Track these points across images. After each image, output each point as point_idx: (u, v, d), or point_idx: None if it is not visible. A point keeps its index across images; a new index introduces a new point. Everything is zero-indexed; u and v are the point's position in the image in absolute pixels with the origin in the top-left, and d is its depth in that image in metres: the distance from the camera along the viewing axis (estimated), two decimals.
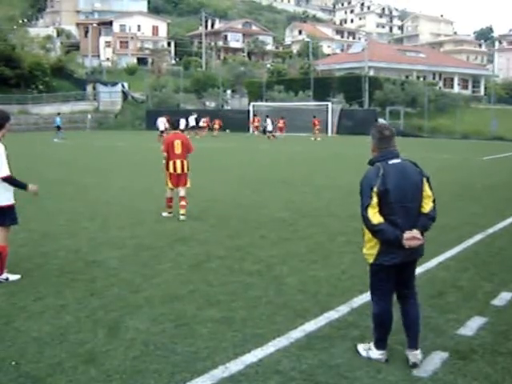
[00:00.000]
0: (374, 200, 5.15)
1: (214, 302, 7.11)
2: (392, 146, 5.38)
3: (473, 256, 9.45)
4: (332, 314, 6.69)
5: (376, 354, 5.46)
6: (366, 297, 7.16)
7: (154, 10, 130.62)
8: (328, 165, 26.32)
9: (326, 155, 31.91)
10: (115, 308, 6.93)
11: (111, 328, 6.31)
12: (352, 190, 17.03)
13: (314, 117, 51.56)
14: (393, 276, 5.36)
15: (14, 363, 5.44)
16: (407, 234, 5.10)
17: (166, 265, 8.90)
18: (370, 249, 5.35)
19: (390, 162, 5.27)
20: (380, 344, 5.47)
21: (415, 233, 5.14)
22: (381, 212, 5.17)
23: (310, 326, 6.35)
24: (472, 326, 6.34)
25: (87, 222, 12.53)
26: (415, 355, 5.37)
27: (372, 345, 5.52)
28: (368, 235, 5.33)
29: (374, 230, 5.17)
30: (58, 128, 50.06)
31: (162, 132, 49.67)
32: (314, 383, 5.06)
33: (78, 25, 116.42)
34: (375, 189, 5.14)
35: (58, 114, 48.00)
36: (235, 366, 5.37)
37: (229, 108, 72.89)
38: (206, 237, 10.94)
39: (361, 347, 5.62)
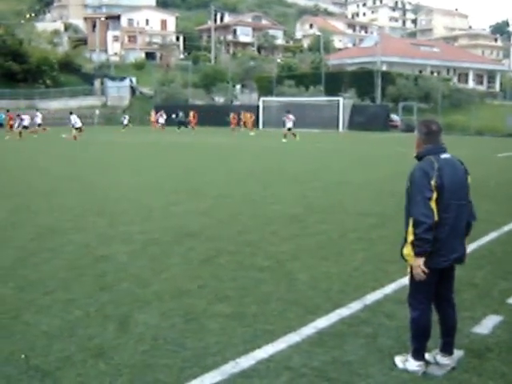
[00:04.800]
0: (434, 194, 4.86)
1: (224, 298, 7.05)
2: (440, 141, 5.19)
3: (488, 254, 9.36)
4: (344, 311, 6.60)
5: (414, 365, 5.14)
6: (379, 294, 7.12)
7: (162, 3, 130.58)
8: (339, 161, 26.23)
9: (337, 151, 31.82)
10: (124, 302, 6.88)
11: (121, 322, 6.26)
12: (363, 186, 17.16)
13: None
14: (436, 279, 5.08)
15: (23, 356, 5.41)
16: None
17: (176, 260, 8.85)
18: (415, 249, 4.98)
19: (442, 156, 5.06)
20: (418, 354, 5.16)
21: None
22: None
23: (322, 322, 6.27)
24: (487, 325, 6.25)
25: (95, 217, 12.49)
26: (453, 359, 5.23)
27: (409, 356, 5.20)
28: (412, 236, 4.92)
29: (428, 228, 4.81)
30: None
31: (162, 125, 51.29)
32: (325, 380, 4.98)
33: (85, 19, 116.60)
34: (433, 182, 4.87)
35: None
36: (246, 361, 5.31)
37: (238, 103, 72.75)
38: (215, 232, 10.88)
39: (398, 359, 5.29)
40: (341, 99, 56.43)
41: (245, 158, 27.14)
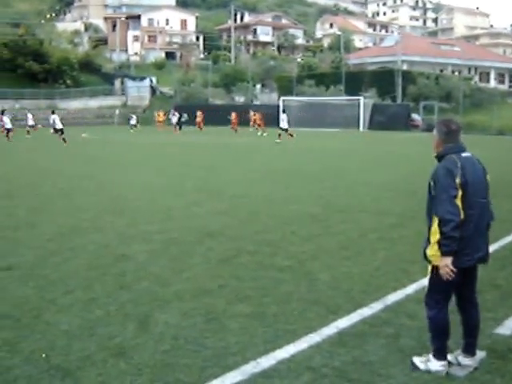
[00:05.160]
0: (459, 192, 4.82)
1: (244, 297, 7.03)
2: (460, 140, 5.16)
3: (510, 254, 9.26)
4: (365, 311, 6.56)
5: (436, 365, 5.07)
6: (400, 294, 7.07)
7: (182, 3, 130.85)
8: (359, 160, 26.10)
9: (357, 151, 31.69)
10: (145, 302, 6.88)
11: (141, 322, 6.26)
12: (384, 186, 17.06)
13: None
14: (458, 279, 4.94)
15: (43, 356, 5.43)
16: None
17: (196, 259, 8.83)
18: (439, 249, 4.87)
19: (463, 155, 5.04)
20: (440, 354, 5.09)
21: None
22: None
23: (343, 322, 6.23)
24: (510, 326, 6.17)
25: (115, 216, 12.51)
26: (475, 360, 5.16)
27: (431, 356, 5.12)
28: (437, 235, 4.84)
29: (455, 226, 4.75)
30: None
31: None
32: (346, 380, 4.95)
33: (105, 19, 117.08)
34: (458, 180, 4.83)
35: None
36: (267, 361, 5.28)
37: (258, 103, 72.70)
38: (235, 232, 10.86)
39: (417, 360, 5.19)
40: (361, 99, 56.21)
41: (262, 158, 27.09)
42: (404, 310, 6.55)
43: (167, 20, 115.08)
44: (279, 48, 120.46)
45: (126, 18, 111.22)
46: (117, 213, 12.93)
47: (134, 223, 11.74)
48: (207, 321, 6.28)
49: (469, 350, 5.20)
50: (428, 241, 4.94)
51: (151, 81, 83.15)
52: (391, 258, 8.87)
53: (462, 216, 4.80)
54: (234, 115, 52.83)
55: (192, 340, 5.76)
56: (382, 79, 64.63)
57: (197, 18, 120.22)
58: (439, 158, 5.11)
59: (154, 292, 7.26)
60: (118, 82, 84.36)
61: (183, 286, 7.47)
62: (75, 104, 76.33)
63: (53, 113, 39.83)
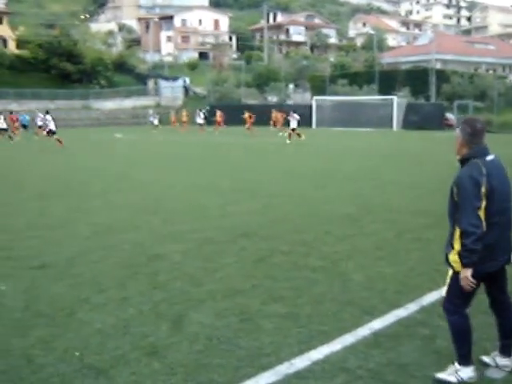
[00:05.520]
0: (484, 202, 4.64)
1: (278, 298, 6.99)
2: (484, 141, 4.87)
3: None
4: (400, 312, 6.48)
5: (467, 372, 4.89)
6: (436, 295, 6.95)
7: (215, 3, 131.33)
8: (393, 160, 25.87)
9: (391, 150, 31.43)
10: (178, 301, 6.88)
11: (174, 321, 6.26)
12: (418, 186, 16.87)
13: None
14: (480, 283, 4.85)
15: (77, 354, 5.45)
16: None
17: (230, 259, 8.82)
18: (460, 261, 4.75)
19: (488, 158, 4.78)
20: (467, 359, 4.91)
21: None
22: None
23: (377, 323, 6.16)
24: None
25: (150, 216, 12.58)
26: None
27: (457, 365, 4.94)
28: (459, 245, 4.72)
29: (477, 239, 4.59)
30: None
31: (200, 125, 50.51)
32: (381, 382, 4.89)
33: (139, 20, 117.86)
34: (483, 189, 4.63)
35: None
36: (301, 362, 5.24)
37: (291, 103, 72.58)
38: (269, 232, 10.82)
39: (445, 375, 4.95)
40: (395, 98, 55.71)
41: (293, 158, 26.99)
42: (439, 311, 6.41)
43: (200, 20, 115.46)
44: (312, 47, 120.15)
45: (159, 19, 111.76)
46: (152, 212, 13.00)
47: (168, 222, 11.79)
48: (241, 321, 6.25)
49: (505, 351, 5.10)
50: (451, 246, 4.82)
51: (184, 81, 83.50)
52: (426, 259, 8.75)
53: (485, 226, 4.64)
54: (246, 115, 52.47)
55: (226, 340, 5.74)
56: (416, 78, 63.99)
57: (229, 18, 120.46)
58: (462, 161, 4.88)
59: (188, 292, 7.26)
60: (151, 83, 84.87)
61: (217, 286, 7.45)
62: (109, 104, 76.99)
63: (47, 113, 38.45)
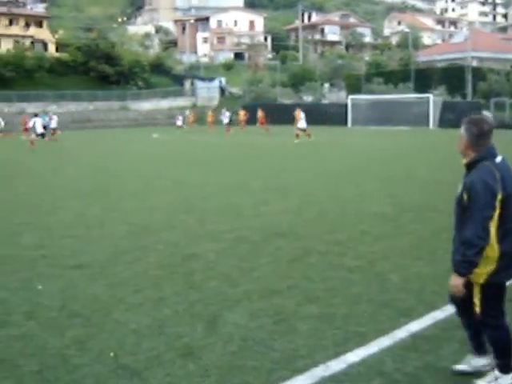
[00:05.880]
0: (497, 211, 4.37)
1: (313, 298, 6.91)
2: (491, 141, 4.57)
3: None
4: (438, 314, 6.35)
5: (507, 379, 4.73)
6: None
7: (249, 4, 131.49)
8: (429, 158, 25.58)
9: (427, 148, 31.10)
10: (213, 302, 6.85)
11: (209, 322, 6.23)
12: (455, 185, 16.55)
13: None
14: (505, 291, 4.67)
15: (112, 355, 5.45)
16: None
17: (264, 259, 8.77)
18: (482, 267, 4.49)
19: (497, 160, 4.50)
20: (508, 367, 4.73)
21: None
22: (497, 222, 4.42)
23: (415, 325, 6.04)
24: None
25: (184, 215, 12.59)
26: None
27: (497, 372, 4.75)
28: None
29: (479, 252, 4.39)
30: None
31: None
32: None
33: (175, 22, 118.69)
34: (499, 196, 4.36)
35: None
36: (337, 365, 5.15)
37: (326, 102, 72.33)
38: (304, 231, 10.75)
39: (484, 382, 4.79)
40: (431, 96, 55.13)
41: (327, 157, 26.84)
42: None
43: (235, 21, 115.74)
44: (347, 47, 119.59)
45: (195, 21, 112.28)
46: (186, 212, 13.01)
47: (202, 222, 11.79)
48: (276, 322, 6.19)
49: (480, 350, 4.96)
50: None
51: (220, 81, 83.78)
52: None
53: (501, 235, 4.43)
54: (259, 113, 51.89)
55: (260, 341, 5.69)
56: (452, 76, 63.28)
57: (264, 18, 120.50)
58: (470, 165, 4.57)
59: (223, 292, 7.23)
60: (187, 83, 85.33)
61: (252, 286, 7.41)
62: (146, 105, 77.62)
63: (35, 116, 37.60)
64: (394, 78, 68.27)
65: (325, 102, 72.80)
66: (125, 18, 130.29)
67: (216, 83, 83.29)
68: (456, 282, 4.52)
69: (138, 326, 6.14)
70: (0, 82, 70.28)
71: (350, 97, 61.51)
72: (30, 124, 37.70)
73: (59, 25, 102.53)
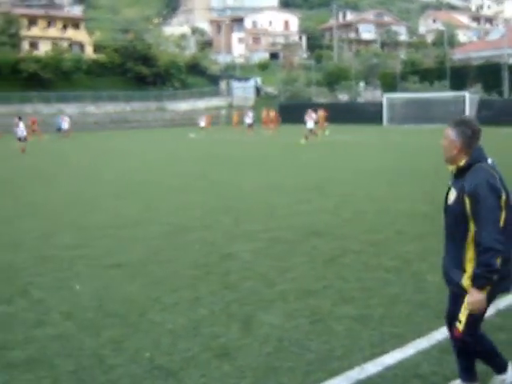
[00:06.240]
0: (504, 213, 4.09)
1: (349, 299, 6.86)
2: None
3: None
4: None
5: (510, 373, 4.60)
6: None
7: (284, 4, 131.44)
8: None
9: None
10: (249, 302, 6.84)
11: (245, 322, 6.22)
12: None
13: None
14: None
15: (148, 355, 5.46)
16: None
17: (300, 259, 8.73)
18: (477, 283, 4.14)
19: (490, 161, 4.28)
20: (504, 365, 4.58)
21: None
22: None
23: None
24: None
25: (220, 215, 12.62)
26: None
27: (500, 375, 4.60)
28: (475, 265, 4.14)
29: (499, 256, 4.02)
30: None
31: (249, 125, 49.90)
32: None
33: (211, 22, 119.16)
34: (504, 197, 4.10)
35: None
36: (373, 367, 5.09)
37: (362, 101, 71.95)
38: (340, 231, 10.68)
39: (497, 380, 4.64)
40: (467, 94, 54.47)
41: (362, 155, 26.65)
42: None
43: (270, 21, 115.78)
44: (382, 45, 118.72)
45: (231, 21, 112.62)
46: (222, 211, 13.04)
47: (239, 222, 11.81)
48: (312, 322, 6.16)
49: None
50: (462, 269, 4.26)
51: (256, 81, 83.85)
52: None
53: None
54: (264, 113, 50.84)
55: (296, 342, 5.66)
56: (488, 74, 62.39)
57: (299, 18, 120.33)
58: (463, 169, 4.27)
59: (259, 292, 7.21)
60: (223, 83, 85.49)
61: (288, 286, 7.38)
62: (183, 105, 77.98)
63: (19, 119, 35.55)
64: (429, 76, 67.61)
65: (360, 100, 72.45)
66: (161, 20, 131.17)
67: (251, 83, 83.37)
68: (479, 297, 4.10)
69: (173, 326, 6.15)
70: (39, 83, 71.21)
71: (386, 95, 61.06)
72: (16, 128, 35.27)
73: (96, 27, 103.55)
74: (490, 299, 4.24)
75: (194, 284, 7.61)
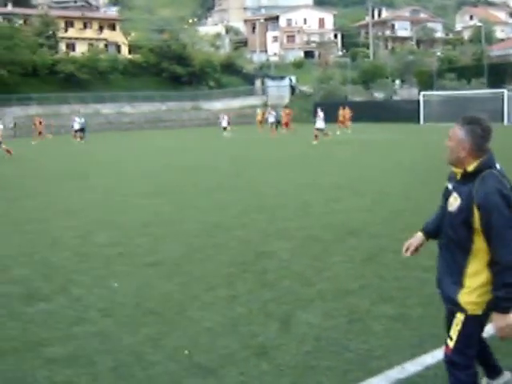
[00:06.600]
0: None
1: (387, 298, 6.81)
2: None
3: None
4: None
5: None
6: None
7: (319, 2, 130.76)
8: (504, 155, 24.89)
9: (501, 145, 30.29)
10: (287, 301, 6.82)
11: (283, 321, 6.20)
12: None
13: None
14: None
15: (186, 353, 5.48)
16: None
17: (337, 258, 8.69)
18: (483, 295, 3.79)
19: (498, 166, 3.85)
20: None
21: None
22: None
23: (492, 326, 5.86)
24: None
25: (256, 213, 12.62)
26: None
27: None
28: (482, 277, 3.79)
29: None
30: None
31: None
32: None
33: (245, 21, 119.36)
34: None
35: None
36: (412, 366, 5.05)
37: (398, 98, 71.43)
38: (377, 230, 10.61)
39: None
40: (505, 91, 53.75)
41: (397, 153, 26.43)
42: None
43: (305, 19, 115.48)
44: (418, 42, 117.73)
45: (265, 20, 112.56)
46: (258, 210, 13.05)
47: (274, 220, 11.80)
48: (350, 322, 6.13)
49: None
50: (459, 284, 3.92)
51: (290, 80, 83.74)
52: None
53: None
54: (287, 111, 50.07)
55: (334, 342, 5.63)
56: None
57: (334, 15, 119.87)
58: (470, 175, 3.81)
59: (296, 291, 7.20)
60: (258, 82, 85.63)
61: (325, 286, 7.35)
62: (218, 105, 78.19)
63: None
64: (466, 73, 66.91)
65: (396, 98, 71.91)
66: (195, 19, 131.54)
67: (286, 82, 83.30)
68: (507, 321, 3.71)
69: (211, 324, 6.16)
70: (76, 84, 72.10)
71: (422, 93, 60.52)
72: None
73: (131, 27, 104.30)
74: (483, 322, 3.98)
75: (231, 282, 7.62)
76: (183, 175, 20.55)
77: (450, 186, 4.06)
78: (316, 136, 35.22)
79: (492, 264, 3.70)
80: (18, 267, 8.79)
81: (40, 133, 48.89)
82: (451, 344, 3.95)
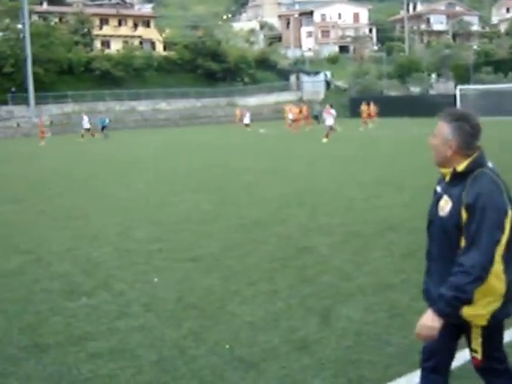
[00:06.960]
0: (506, 234, 3.33)
1: None
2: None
3: None
4: None
5: None
6: None
7: None
8: None
9: None
10: (327, 295, 6.84)
11: (323, 316, 6.22)
12: None
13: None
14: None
15: (227, 347, 5.53)
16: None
17: (377, 253, 8.68)
18: (487, 306, 3.45)
19: (490, 165, 3.53)
20: None
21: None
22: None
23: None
24: None
25: (295, 208, 12.65)
26: None
27: None
28: (486, 287, 3.38)
29: (478, 286, 3.33)
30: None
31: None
32: None
33: (279, 17, 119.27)
34: (510, 212, 3.34)
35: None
36: (454, 361, 5.02)
37: (434, 93, 70.73)
38: (417, 224, 10.50)
39: None
40: None
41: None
42: None
43: (339, 14, 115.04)
44: (454, 36, 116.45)
45: (299, 15, 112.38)
46: (297, 205, 13.09)
47: (315, 215, 11.82)
48: (391, 316, 6.12)
49: None
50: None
51: (325, 75, 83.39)
52: None
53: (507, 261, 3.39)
54: (303, 108, 49.57)
55: (375, 336, 5.64)
56: None
57: (369, 10, 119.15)
58: (461, 175, 3.50)
59: (336, 286, 7.21)
60: (293, 78, 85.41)
61: (365, 280, 7.36)
62: (253, 100, 78.14)
63: None
64: (503, 66, 65.99)
65: (432, 92, 71.20)
66: (230, 15, 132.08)
67: (321, 77, 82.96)
68: (433, 323, 3.53)
69: (252, 319, 6.21)
70: (111, 81, 72.71)
71: (459, 87, 59.80)
72: None
73: (166, 24, 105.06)
74: (500, 327, 3.70)
75: (271, 277, 7.66)
76: (221, 171, 20.60)
77: (439, 189, 3.80)
78: (327, 134, 33.90)
79: (455, 262, 3.41)
80: (59, 263, 8.95)
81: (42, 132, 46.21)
82: (479, 356, 3.69)
